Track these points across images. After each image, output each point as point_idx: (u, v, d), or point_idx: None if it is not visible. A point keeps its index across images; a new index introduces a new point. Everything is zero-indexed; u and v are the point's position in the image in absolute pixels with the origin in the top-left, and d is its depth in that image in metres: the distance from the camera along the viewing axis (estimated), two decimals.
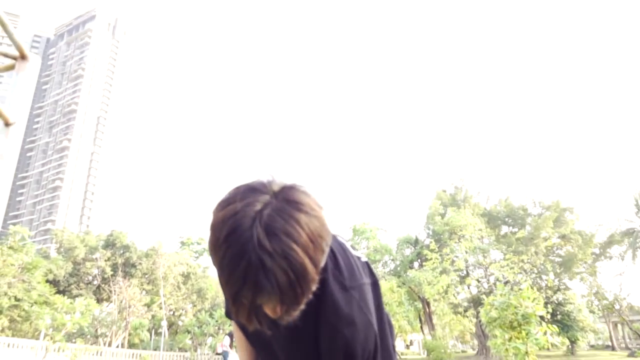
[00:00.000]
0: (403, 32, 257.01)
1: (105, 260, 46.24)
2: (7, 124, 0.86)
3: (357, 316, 0.96)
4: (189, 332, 41.24)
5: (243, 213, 0.71)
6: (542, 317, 12.25)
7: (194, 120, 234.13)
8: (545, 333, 12.01)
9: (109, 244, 47.41)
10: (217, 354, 18.61)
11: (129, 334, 41.43)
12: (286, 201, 0.73)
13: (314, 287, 0.75)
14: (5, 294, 26.47)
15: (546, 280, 32.27)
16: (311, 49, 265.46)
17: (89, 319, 33.32)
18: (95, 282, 47.21)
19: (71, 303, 31.76)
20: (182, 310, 48.68)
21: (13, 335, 31.49)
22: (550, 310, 22.76)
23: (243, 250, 0.69)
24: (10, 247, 30.42)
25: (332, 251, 1.00)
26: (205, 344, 40.77)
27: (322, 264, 0.75)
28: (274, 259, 0.68)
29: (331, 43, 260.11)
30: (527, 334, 11.70)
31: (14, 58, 0.94)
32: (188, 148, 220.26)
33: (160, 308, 44.04)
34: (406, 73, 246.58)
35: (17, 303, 27.88)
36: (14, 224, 44.07)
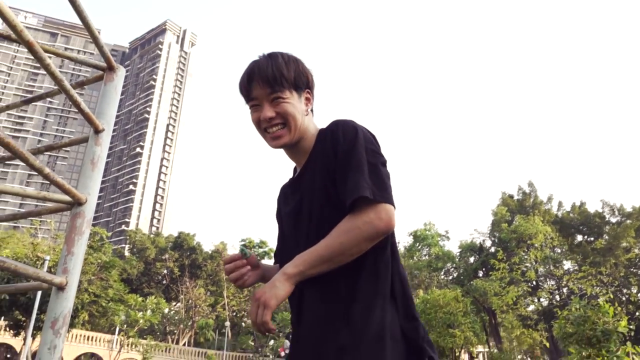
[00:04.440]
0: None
1: (174, 261, 48.53)
2: (97, 131, 0.91)
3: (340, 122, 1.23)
4: (251, 333, 42.23)
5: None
6: (624, 335, 11.26)
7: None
8: (628, 354, 11.02)
9: (177, 246, 49.75)
10: (279, 357, 18.87)
11: (195, 333, 43.13)
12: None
13: (285, 85, 1.21)
14: (86, 290, 28.53)
15: (628, 294, 29.72)
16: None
17: (159, 317, 35.01)
18: (164, 282, 49.68)
19: (143, 301, 33.50)
20: (244, 311, 49.98)
21: (92, 329, 33.89)
22: (633, 327, 20.95)
23: (249, 64, 1.26)
24: (90, 247, 32.78)
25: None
26: (267, 346, 41.57)
27: (293, 75, 1.22)
28: (261, 59, 1.24)
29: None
30: (607, 352, 10.78)
31: (102, 69, 0.99)
32: (253, 153, 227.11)
33: (224, 309, 45.50)
34: (474, 67, 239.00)
35: (95, 299, 29.97)
36: (94, 225, 47.55)
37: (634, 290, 29.65)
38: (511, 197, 36.63)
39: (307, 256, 1.07)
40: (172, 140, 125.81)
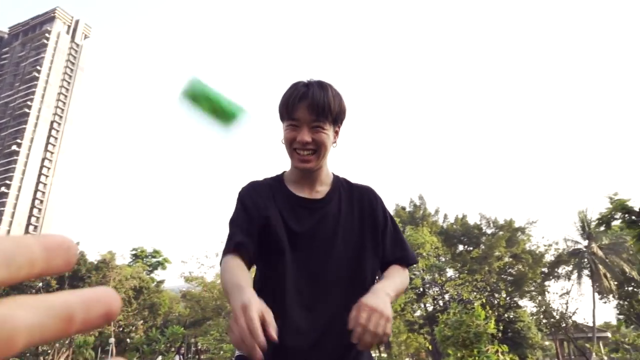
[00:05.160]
0: (362, 49, 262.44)
1: None
2: None
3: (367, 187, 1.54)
4: (137, 350, 39.46)
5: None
6: (493, 336, 12.48)
7: (155, 127, 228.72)
8: (496, 352, 12.22)
9: None
10: None
11: (73, 352, 39.20)
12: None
13: (329, 118, 1.31)
14: None
15: (498, 298, 33.14)
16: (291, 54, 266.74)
17: None
18: None
19: None
20: (132, 326, 46.63)
21: None
22: (501, 327, 23.38)
23: (297, 85, 1.35)
24: None
25: None
26: None
27: (336, 111, 1.33)
28: (314, 85, 1.33)
29: (296, 58, 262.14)
30: (478, 353, 11.85)
31: None
32: (145, 157, 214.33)
33: (109, 324, 42.02)
34: (368, 86, 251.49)
35: None
36: None
37: (503, 294, 33.14)
38: (404, 208, 39.03)
39: (397, 287, 1.31)
40: (56, 138, 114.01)
